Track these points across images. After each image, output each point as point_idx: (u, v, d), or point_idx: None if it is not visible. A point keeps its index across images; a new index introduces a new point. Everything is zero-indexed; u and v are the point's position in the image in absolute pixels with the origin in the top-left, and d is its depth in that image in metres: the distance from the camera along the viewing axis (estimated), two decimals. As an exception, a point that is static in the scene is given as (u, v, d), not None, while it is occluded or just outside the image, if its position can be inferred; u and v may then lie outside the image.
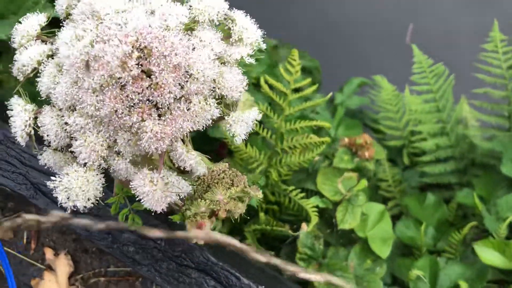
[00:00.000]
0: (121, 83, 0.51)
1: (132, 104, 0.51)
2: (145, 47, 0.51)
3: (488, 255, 0.96)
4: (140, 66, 0.51)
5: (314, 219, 0.98)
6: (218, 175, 0.64)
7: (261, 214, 1.02)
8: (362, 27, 1.78)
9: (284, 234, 1.03)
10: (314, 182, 1.08)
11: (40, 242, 0.91)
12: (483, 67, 1.26)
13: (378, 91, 1.40)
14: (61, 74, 0.54)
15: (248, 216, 1.02)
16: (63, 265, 0.88)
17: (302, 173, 1.12)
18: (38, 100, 0.57)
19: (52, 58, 0.56)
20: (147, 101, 0.52)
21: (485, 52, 1.26)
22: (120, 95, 0.51)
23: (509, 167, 1.14)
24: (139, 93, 0.51)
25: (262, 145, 1.09)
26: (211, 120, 0.54)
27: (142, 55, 0.51)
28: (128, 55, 0.50)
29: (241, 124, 0.56)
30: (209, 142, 1.11)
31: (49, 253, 0.89)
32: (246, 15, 0.58)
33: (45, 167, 0.58)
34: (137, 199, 0.53)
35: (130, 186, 0.54)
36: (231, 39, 0.58)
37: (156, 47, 0.51)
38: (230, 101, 0.56)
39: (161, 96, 0.51)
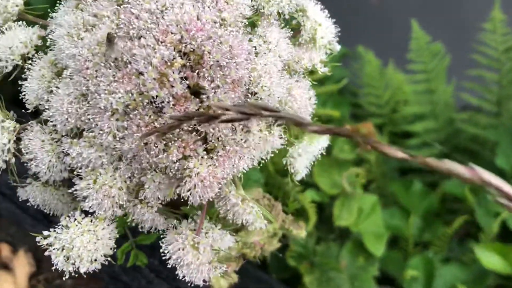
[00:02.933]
0: (156, 104, 0.35)
1: (170, 135, 0.35)
2: (193, 51, 0.35)
3: (490, 259, 0.91)
4: (184, 80, 0.35)
5: (313, 217, 0.88)
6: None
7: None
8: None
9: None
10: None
11: (-6, 237, 0.80)
12: (480, 47, 1.19)
13: (360, 64, 1.29)
14: (60, 81, 0.36)
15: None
16: (22, 264, 0.78)
17: (294, 160, 1.00)
18: (20, 110, 0.38)
19: (45, 53, 0.38)
20: (193, 132, 0.36)
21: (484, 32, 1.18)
22: (154, 122, 0.35)
23: (503, 159, 1.09)
24: (182, 120, 0.35)
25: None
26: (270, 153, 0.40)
27: (187, 63, 0.35)
28: (168, 63, 0.34)
29: (307, 157, 0.41)
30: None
31: (5, 249, 0.79)
32: (316, 4, 0.42)
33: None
34: (168, 263, 0.38)
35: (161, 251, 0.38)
36: (300, 39, 0.42)
37: (209, 52, 0.35)
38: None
39: (215, 125, 0.35)
